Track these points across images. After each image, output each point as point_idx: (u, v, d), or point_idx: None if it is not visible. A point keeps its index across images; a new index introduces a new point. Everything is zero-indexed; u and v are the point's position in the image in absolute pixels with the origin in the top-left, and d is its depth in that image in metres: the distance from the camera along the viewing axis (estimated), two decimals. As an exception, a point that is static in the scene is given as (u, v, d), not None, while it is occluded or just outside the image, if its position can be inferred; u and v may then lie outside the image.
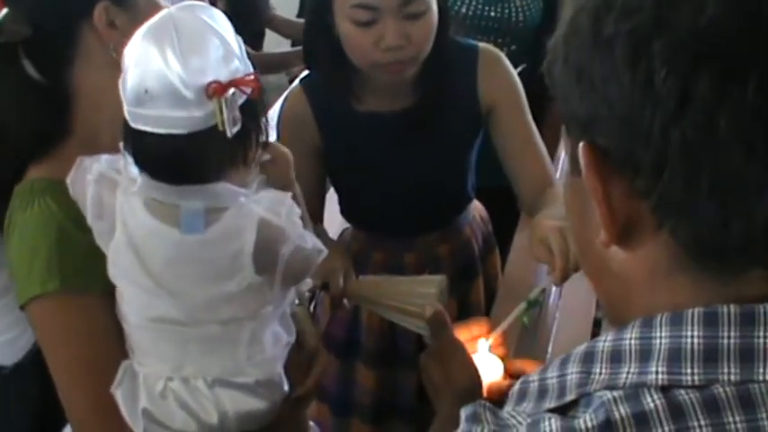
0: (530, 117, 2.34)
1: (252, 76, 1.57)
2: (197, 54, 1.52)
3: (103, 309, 1.68)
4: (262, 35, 5.33)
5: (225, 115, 1.50)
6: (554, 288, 2.37)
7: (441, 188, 2.41)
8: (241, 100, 1.55)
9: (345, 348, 2.54)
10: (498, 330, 1.79)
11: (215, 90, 1.50)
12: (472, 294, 2.59)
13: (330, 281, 2.15)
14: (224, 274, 1.61)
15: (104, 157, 1.65)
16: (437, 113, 2.29)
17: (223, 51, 1.55)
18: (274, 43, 5.13)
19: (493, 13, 3.02)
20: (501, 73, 2.33)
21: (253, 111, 1.60)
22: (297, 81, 2.35)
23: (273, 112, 2.35)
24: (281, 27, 4.62)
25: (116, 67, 1.61)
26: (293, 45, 4.76)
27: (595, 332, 3.95)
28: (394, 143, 2.30)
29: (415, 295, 2.08)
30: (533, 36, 3.08)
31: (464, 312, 2.51)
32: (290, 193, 1.71)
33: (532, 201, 2.28)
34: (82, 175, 1.64)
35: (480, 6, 3.01)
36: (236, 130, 1.53)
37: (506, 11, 3.04)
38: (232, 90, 1.52)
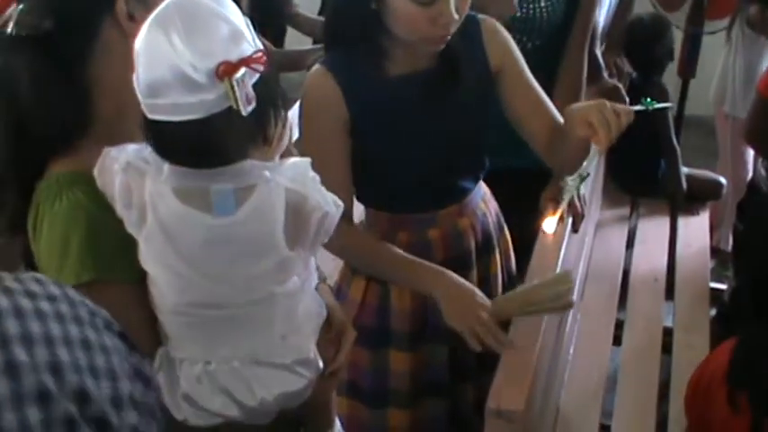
0: (532, 77, 2.49)
1: (261, 53, 1.57)
2: (203, 37, 1.52)
3: (138, 298, 1.69)
4: (283, 32, 5.32)
5: (238, 94, 1.51)
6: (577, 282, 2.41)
7: (462, 150, 2.48)
8: (253, 79, 1.55)
9: (377, 338, 2.55)
10: (563, 206, 2.30)
11: (225, 70, 1.50)
12: (492, 267, 2.67)
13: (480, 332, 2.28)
14: (259, 251, 1.63)
15: (131, 147, 1.65)
16: (456, 73, 2.37)
17: (229, 32, 1.55)
18: (296, 40, 5.12)
19: (518, 14, 3.00)
20: (502, 39, 2.46)
21: (267, 88, 1.60)
22: (317, 66, 2.35)
23: (295, 111, 2.35)
24: (303, 24, 4.62)
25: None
26: (315, 42, 4.75)
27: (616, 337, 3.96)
28: (419, 104, 2.36)
29: (554, 296, 2.31)
30: (556, 32, 3.10)
31: (485, 286, 2.58)
32: (308, 159, 1.71)
33: (551, 146, 2.43)
34: (109, 166, 1.64)
35: None
36: (251, 108, 1.54)
37: (531, 12, 3.05)
38: (243, 69, 1.52)
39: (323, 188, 1.68)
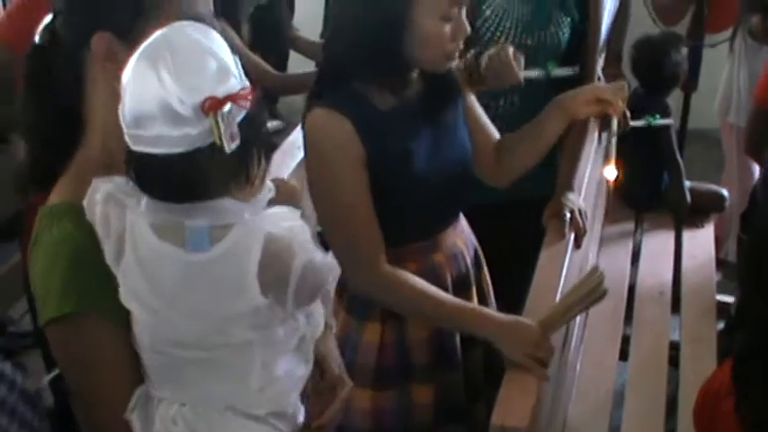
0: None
1: (247, 91, 1.57)
2: (191, 72, 1.52)
3: (119, 333, 1.69)
4: (286, 56, 5.35)
5: (222, 130, 1.50)
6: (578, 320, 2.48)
7: (461, 170, 2.53)
8: (239, 116, 1.55)
9: (400, 376, 2.56)
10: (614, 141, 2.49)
11: (210, 105, 1.50)
12: (483, 282, 2.73)
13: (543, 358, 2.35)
14: (233, 293, 1.60)
15: (117, 179, 1.65)
16: (442, 95, 2.45)
17: (217, 68, 1.55)
18: (299, 64, 5.14)
19: (530, 41, 3.08)
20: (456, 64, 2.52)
21: (253, 127, 1.59)
22: (317, 108, 2.34)
23: (297, 133, 2.36)
24: (305, 48, 4.63)
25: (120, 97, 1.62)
26: (317, 66, 4.78)
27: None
28: (421, 129, 2.42)
29: (589, 292, 2.42)
30: (561, 57, 3.14)
31: (481, 299, 2.67)
32: (295, 211, 1.71)
33: (499, 156, 2.62)
34: (94, 196, 1.66)
35: (519, 35, 3.06)
36: (234, 145, 1.53)
37: (542, 38, 3.10)
38: (229, 105, 1.52)
39: (312, 244, 1.65)
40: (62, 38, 1.79)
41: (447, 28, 2.26)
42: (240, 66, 1.61)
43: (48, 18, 1.82)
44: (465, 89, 2.60)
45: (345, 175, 2.31)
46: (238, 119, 1.54)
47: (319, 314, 1.82)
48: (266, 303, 1.61)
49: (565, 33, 3.10)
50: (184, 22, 1.63)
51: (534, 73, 2.58)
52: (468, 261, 2.61)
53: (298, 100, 4.70)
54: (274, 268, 1.59)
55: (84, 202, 1.66)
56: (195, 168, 1.54)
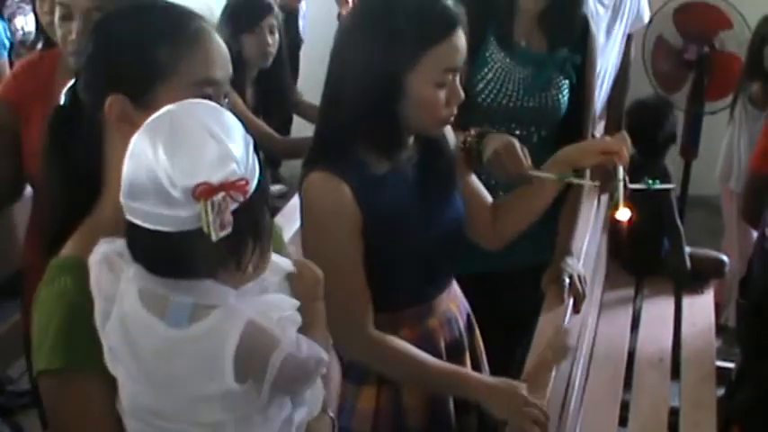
0: None
1: (244, 182, 1.53)
2: (189, 154, 1.50)
3: (107, 391, 1.67)
4: (289, 120, 5.39)
5: (210, 218, 1.48)
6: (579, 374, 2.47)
7: (454, 233, 2.54)
8: (234, 205, 1.52)
9: None
10: (620, 192, 2.42)
11: (202, 192, 1.48)
12: (476, 346, 2.70)
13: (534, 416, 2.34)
14: (205, 374, 1.56)
15: (119, 241, 1.64)
16: (436, 159, 2.47)
17: (218, 153, 1.52)
18: (302, 128, 5.17)
19: (531, 104, 3.09)
20: (449, 128, 2.54)
21: (249, 215, 1.56)
22: (315, 173, 2.33)
23: (291, 206, 2.36)
24: (309, 113, 4.65)
25: None
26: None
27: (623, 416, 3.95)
28: (413, 186, 2.43)
29: (559, 349, 2.60)
30: (561, 122, 3.17)
31: (474, 363, 2.64)
32: (292, 301, 1.68)
33: (495, 216, 2.63)
34: (93, 258, 1.66)
35: (521, 98, 3.07)
36: (224, 234, 1.50)
37: (543, 101, 3.11)
38: (221, 194, 1.49)
39: (300, 335, 1.62)
40: (82, 99, 1.81)
41: (441, 94, 2.28)
42: (253, 150, 1.59)
43: (73, 80, 1.84)
44: (462, 167, 2.63)
45: (341, 240, 2.31)
46: (233, 207, 1.51)
47: (313, 397, 1.78)
48: (240, 389, 1.56)
49: (564, 96, 3.13)
50: (198, 101, 1.63)
51: (545, 174, 2.57)
52: (462, 325, 2.60)
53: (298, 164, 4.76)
54: (252, 357, 1.55)
55: (89, 261, 1.66)
56: (181, 249, 1.53)
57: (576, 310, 3.06)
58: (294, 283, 1.73)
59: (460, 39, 2.30)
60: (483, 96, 3.03)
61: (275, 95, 4.55)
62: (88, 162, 1.81)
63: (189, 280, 1.56)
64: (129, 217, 1.55)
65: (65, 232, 1.80)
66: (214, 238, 1.48)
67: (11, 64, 3.99)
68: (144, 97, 1.75)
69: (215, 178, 1.49)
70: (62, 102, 1.84)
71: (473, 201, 2.62)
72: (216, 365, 1.54)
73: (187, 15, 1.84)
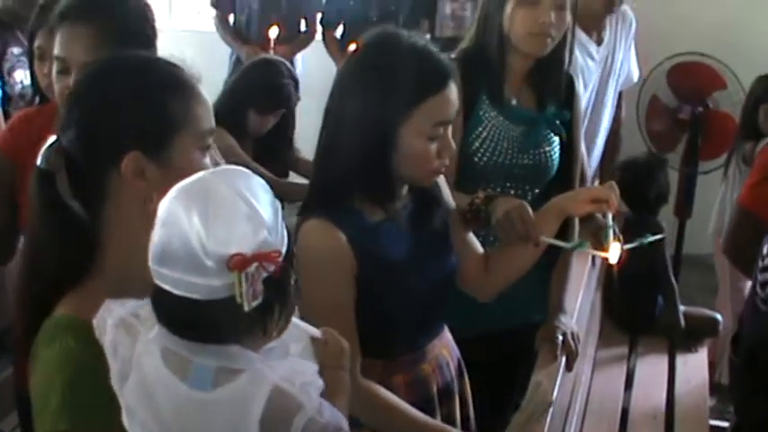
0: None
1: (277, 253, 1.54)
2: (223, 224, 1.51)
3: None
4: (286, 177, 5.41)
5: (244, 289, 1.49)
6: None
7: (448, 281, 2.57)
8: (265, 274, 1.52)
9: None
10: (610, 239, 2.52)
11: (236, 263, 1.49)
12: (464, 391, 2.70)
13: None
14: None
15: (130, 303, 1.65)
16: (429, 208, 2.52)
17: (252, 222, 1.53)
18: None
19: (526, 161, 3.11)
20: (443, 180, 2.59)
21: (278, 284, 1.57)
22: (310, 220, 2.35)
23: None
24: (305, 168, 4.68)
25: (147, 216, 1.63)
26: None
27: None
28: (405, 233, 2.45)
29: (538, 405, 2.56)
30: (553, 179, 3.19)
31: (463, 406, 2.66)
32: (313, 366, 1.68)
33: (487, 267, 2.67)
34: (105, 318, 1.65)
35: (516, 155, 3.09)
36: (255, 304, 1.51)
37: (538, 158, 3.13)
38: (255, 264, 1.50)
39: (322, 400, 1.62)
40: (79, 161, 1.79)
41: (433, 147, 2.32)
42: (280, 214, 1.60)
43: (50, 140, 1.82)
44: (461, 227, 2.65)
45: (334, 287, 2.32)
46: (263, 275, 1.52)
47: None
48: None
49: (556, 153, 3.15)
50: (229, 167, 1.65)
51: (558, 242, 2.61)
52: (453, 370, 2.61)
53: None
54: (276, 421, 1.55)
55: (94, 321, 1.66)
56: (210, 316, 1.53)
57: (569, 367, 3.06)
58: (319, 348, 1.74)
59: (453, 92, 2.35)
60: (479, 155, 3.05)
61: (272, 153, 4.59)
62: (83, 221, 1.80)
63: (214, 345, 1.57)
64: (157, 282, 1.55)
65: (55, 291, 1.79)
66: (247, 308, 1.50)
67: (8, 116, 4.00)
68: (160, 152, 1.77)
69: (248, 249, 1.51)
70: (39, 163, 1.81)
71: (466, 251, 2.65)
72: (240, 429, 1.55)
73: (180, 68, 1.86)
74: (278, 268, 1.54)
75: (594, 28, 4.24)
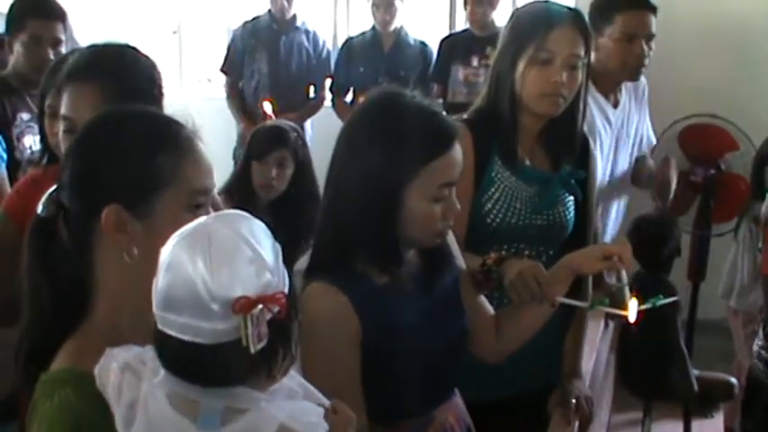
0: None
1: (281, 295, 1.56)
2: (227, 267, 1.52)
3: None
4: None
5: (250, 331, 1.50)
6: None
7: (452, 345, 2.52)
8: (269, 315, 1.54)
9: None
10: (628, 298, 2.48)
11: (242, 306, 1.50)
12: None
13: None
14: None
15: (133, 348, 1.65)
16: (438, 271, 2.49)
17: (255, 265, 1.54)
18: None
19: (539, 222, 3.09)
20: (454, 242, 2.60)
21: (282, 327, 1.58)
22: (314, 283, 2.34)
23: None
24: None
25: (132, 267, 1.67)
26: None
27: None
28: (413, 296, 2.41)
29: None
30: (567, 240, 3.17)
31: None
32: (319, 410, 1.68)
33: (498, 331, 2.64)
34: (108, 364, 1.64)
35: (529, 216, 3.08)
36: (260, 346, 1.52)
37: (551, 218, 3.12)
38: (259, 306, 1.52)
39: None
40: (70, 209, 1.81)
41: (438, 208, 2.31)
42: (281, 258, 1.62)
43: (50, 189, 1.85)
44: (471, 289, 2.63)
45: (338, 350, 2.30)
46: (268, 317, 1.54)
47: None
48: None
49: (570, 213, 3.14)
50: (230, 212, 1.66)
51: (576, 302, 2.59)
52: None
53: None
54: None
55: (96, 370, 1.65)
56: (216, 360, 1.54)
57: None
58: (328, 418, 1.71)
59: (458, 152, 2.34)
60: (492, 217, 3.03)
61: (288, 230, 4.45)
62: (73, 273, 1.80)
63: (220, 388, 1.57)
64: (161, 327, 1.55)
65: (51, 341, 1.78)
66: (252, 350, 1.51)
67: (17, 181, 4.00)
68: (142, 207, 1.76)
69: (253, 291, 1.52)
70: (40, 211, 1.84)
71: (476, 313, 2.61)
72: None
73: (176, 123, 1.86)
74: (283, 310, 1.55)
75: (611, 91, 4.25)
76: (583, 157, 3.21)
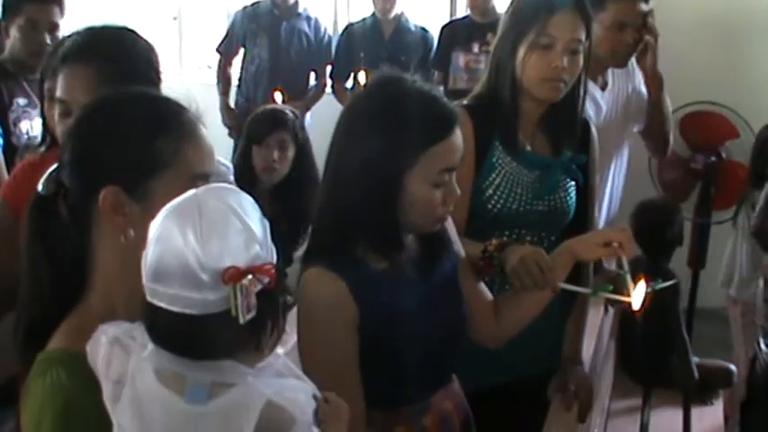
0: None
1: (270, 266, 1.57)
2: (217, 238, 1.53)
3: None
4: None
5: (239, 302, 1.50)
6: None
7: (450, 331, 2.50)
8: (258, 287, 1.54)
9: None
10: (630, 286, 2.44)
11: (231, 276, 1.51)
12: None
13: None
14: None
15: (123, 324, 1.66)
16: (436, 257, 2.47)
17: (245, 237, 1.55)
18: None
19: (541, 207, 3.08)
20: (453, 229, 2.59)
21: (270, 298, 1.58)
22: (312, 268, 2.33)
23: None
24: None
25: (129, 249, 1.67)
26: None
27: None
28: (411, 281, 2.40)
29: None
30: (568, 225, 3.16)
31: None
32: (308, 387, 1.69)
33: (498, 315, 2.62)
34: (98, 338, 1.65)
35: (531, 201, 3.06)
36: (250, 317, 1.53)
37: (553, 203, 3.10)
38: (249, 277, 1.52)
39: (311, 415, 1.63)
40: (69, 189, 1.81)
41: (438, 193, 2.29)
42: (269, 232, 1.62)
43: (51, 168, 1.85)
44: (471, 275, 2.62)
45: (336, 336, 2.29)
46: (257, 289, 1.54)
47: None
48: None
49: (572, 198, 3.13)
50: (219, 185, 1.66)
51: (578, 288, 2.60)
52: (458, 425, 2.54)
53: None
54: None
55: (88, 346, 1.66)
56: (205, 331, 1.54)
57: (582, 419, 3.02)
58: (319, 404, 1.71)
59: (458, 138, 2.32)
60: (492, 202, 3.01)
61: (290, 215, 4.42)
62: (72, 252, 1.80)
63: (208, 360, 1.57)
64: (151, 300, 1.56)
65: (49, 321, 1.78)
66: (242, 320, 1.51)
67: (13, 166, 3.99)
68: (139, 189, 1.76)
69: (242, 262, 1.53)
70: (40, 189, 1.83)
71: (474, 299, 2.60)
72: None
73: (178, 106, 1.86)
74: (272, 281, 1.56)
75: (599, 73, 4.25)
76: (584, 141, 3.19)
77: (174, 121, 1.83)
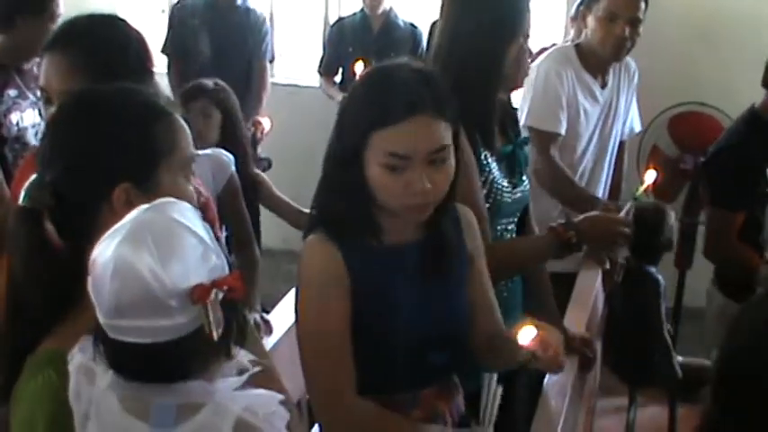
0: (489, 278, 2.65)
1: (232, 277, 1.56)
2: (176, 259, 1.50)
3: None
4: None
5: (212, 318, 1.48)
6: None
7: (449, 328, 2.50)
8: (221, 296, 1.52)
9: None
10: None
11: (200, 295, 1.49)
12: None
13: None
14: None
15: (90, 346, 1.62)
16: (443, 247, 2.47)
17: (201, 249, 1.53)
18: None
19: (518, 194, 3.17)
20: (475, 232, 2.60)
21: (233, 304, 1.58)
22: (311, 236, 2.39)
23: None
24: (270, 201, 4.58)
25: None
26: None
27: None
28: (411, 273, 2.43)
29: None
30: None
31: None
32: (278, 396, 1.67)
33: (490, 346, 2.57)
34: (70, 368, 1.63)
35: (510, 191, 3.14)
36: (221, 330, 1.51)
37: (525, 188, 3.23)
38: (215, 291, 1.50)
39: (282, 429, 1.63)
40: (67, 194, 1.80)
41: (396, 178, 2.27)
42: (212, 234, 1.60)
43: (31, 178, 1.83)
44: (486, 279, 2.63)
45: (330, 302, 2.32)
46: (219, 297, 1.52)
47: None
48: None
49: (527, 183, 3.30)
50: (155, 201, 1.63)
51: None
52: (449, 426, 2.54)
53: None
54: None
55: (69, 356, 1.65)
56: (180, 354, 1.52)
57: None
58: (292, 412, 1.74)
59: (414, 126, 2.25)
60: (489, 201, 3.05)
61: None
62: (67, 258, 1.79)
63: (177, 383, 1.55)
64: (114, 337, 1.52)
65: (39, 330, 1.78)
66: (216, 336, 1.50)
67: (3, 157, 3.98)
68: (148, 181, 1.78)
69: (203, 276, 1.51)
70: (22, 201, 1.80)
71: (479, 313, 2.59)
72: None
73: (154, 95, 1.87)
74: (238, 290, 1.55)
75: (600, 72, 4.28)
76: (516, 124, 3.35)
77: (158, 109, 1.85)
